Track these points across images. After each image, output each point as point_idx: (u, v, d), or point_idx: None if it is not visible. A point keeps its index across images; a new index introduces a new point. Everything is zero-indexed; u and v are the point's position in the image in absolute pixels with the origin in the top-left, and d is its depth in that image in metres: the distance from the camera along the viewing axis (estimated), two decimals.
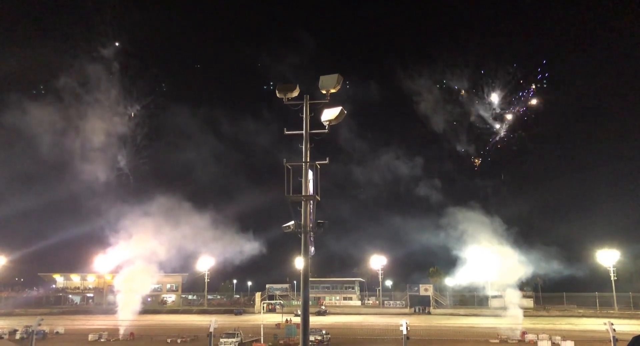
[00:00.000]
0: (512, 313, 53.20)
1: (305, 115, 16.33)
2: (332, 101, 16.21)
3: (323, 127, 16.38)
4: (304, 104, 16.41)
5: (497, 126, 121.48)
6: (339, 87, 15.91)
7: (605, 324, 14.84)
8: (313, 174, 16.40)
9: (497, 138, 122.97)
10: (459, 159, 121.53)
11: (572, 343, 43.13)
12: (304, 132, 16.31)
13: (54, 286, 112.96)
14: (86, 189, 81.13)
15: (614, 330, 14.06)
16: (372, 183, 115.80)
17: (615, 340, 13.57)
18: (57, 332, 52.47)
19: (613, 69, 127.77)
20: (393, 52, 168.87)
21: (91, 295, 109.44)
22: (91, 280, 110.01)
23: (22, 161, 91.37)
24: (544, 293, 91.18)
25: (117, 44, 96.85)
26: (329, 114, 15.99)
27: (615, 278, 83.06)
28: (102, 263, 72.50)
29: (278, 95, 16.13)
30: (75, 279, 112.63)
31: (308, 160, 16.21)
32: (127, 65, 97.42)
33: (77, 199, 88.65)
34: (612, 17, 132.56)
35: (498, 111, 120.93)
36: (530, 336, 47.96)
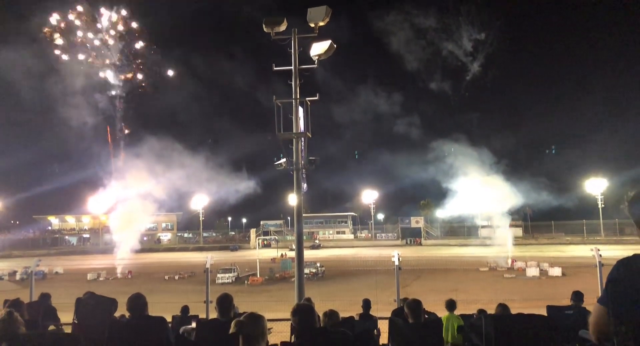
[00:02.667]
0: (501, 242, 54.51)
1: (294, 50, 15.99)
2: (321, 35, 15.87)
3: (311, 62, 16.11)
4: (292, 39, 16.03)
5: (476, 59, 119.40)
6: (327, 19, 15.47)
7: (592, 250, 15.26)
8: (303, 111, 16.27)
9: (477, 71, 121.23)
10: (440, 94, 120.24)
11: (560, 269, 44.47)
12: (293, 67, 16.03)
13: (49, 228, 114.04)
14: (75, 133, 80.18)
15: (600, 255, 14.48)
16: (355, 121, 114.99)
17: (601, 264, 13.96)
18: (57, 272, 53.33)
19: None
20: None
21: (87, 235, 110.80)
22: (86, 221, 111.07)
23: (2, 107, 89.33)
24: (532, 222, 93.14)
25: None
26: (318, 48, 15.66)
27: (603, 205, 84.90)
28: (96, 204, 72.90)
29: (265, 29, 15.69)
30: (71, 220, 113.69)
31: (298, 97, 16.03)
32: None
33: (66, 144, 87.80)
34: None
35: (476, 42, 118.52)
36: (519, 264, 49.34)
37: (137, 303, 6.04)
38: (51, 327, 9.30)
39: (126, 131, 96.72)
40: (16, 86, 76.25)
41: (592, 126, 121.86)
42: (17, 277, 47.59)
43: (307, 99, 16.28)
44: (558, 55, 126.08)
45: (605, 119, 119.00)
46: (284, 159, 16.19)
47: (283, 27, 15.82)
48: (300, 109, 16.11)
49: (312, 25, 15.63)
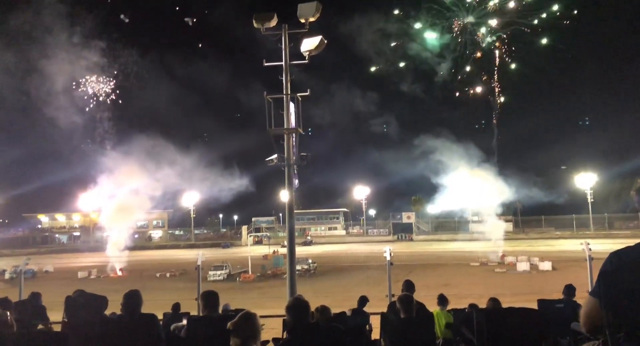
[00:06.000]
0: (492, 237, 54.75)
1: (285, 45, 15.94)
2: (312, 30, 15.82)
3: (301, 57, 16.08)
4: (283, 34, 15.97)
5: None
6: (318, 15, 15.42)
7: (581, 244, 15.36)
8: (294, 107, 16.24)
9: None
10: (427, 89, 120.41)
11: (550, 263, 44.75)
12: (283, 63, 15.98)
13: (39, 226, 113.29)
14: (63, 131, 79.43)
15: (590, 249, 14.58)
16: (347, 116, 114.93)
17: (591, 258, 14.06)
18: (47, 271, 53.01)
19: None
20: None
21: (78, 233, 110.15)
22: (77, 219, 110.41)
23: None
24: (523, 217, 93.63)
25: None
26: (309, 44, 15.62)
27: (592, 200, 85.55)
28: (86, 202, 72.40)
29: (255, 25, 15.62)
30: (61, 219, 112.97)
31: (289, 92, 15.99)
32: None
33: (55, 142, 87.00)
34: None
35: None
36: (509, 259, 49.58)
37: (133, 299, 6.02)
38: (40, 326, 9.23)
39: (115, 129, 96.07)
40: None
41: (581, 120, 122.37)
42: (7, 276, 47.14)
43: (299, 94, 16.25)
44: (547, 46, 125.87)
45: (594, 114, 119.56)
46: (276, 155, 16.15)
47: (273, 23, 15.76)
48: (292, 105, 16.07)
49: (303, 20, 15.60)
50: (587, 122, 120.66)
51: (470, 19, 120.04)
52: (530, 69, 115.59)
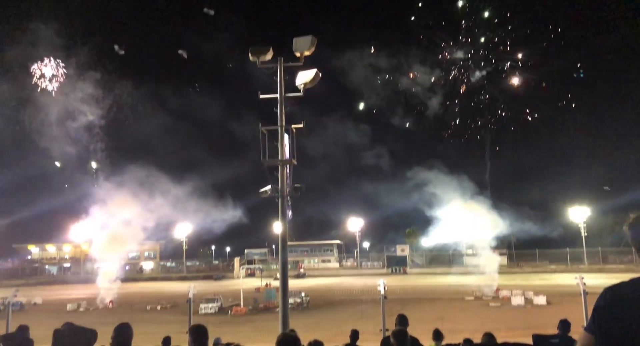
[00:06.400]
0: (487, 271, 54.48)
1: (280, 78, 16.14)
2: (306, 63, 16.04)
3: (296, 90, 16.25)
4: (278, 67, 16.18)
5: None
6: (313, 49, 15.67)
7: (576, 278, 15.26)
8: (289, 138, 16.33)
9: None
10: (422, 122, 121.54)
11: (545, 297, 44.47)
12: (278, 95, 16.15)
13: (29, 257, 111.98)
14: (53, 162, 79.34)
15: (585, 283, 14.50)
16: (341, 148, 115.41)
17: (586, 293, 13.99)
18: (35, 303, 52.17)
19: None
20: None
21: (68, 264, 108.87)
22: (67, 250, 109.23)
23: None
24: (517, 250, 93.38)
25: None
26: (304, 77, 15.83)
27: (586, 234, 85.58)
28: (77, 233, 71.85)
29: (251, 58, 15.84)
30: (51, 249, 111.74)
31: (284, 124, 16.11)
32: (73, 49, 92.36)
33: (46, 173, 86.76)
34: None
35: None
36: (504, 293, 49.28)
37: (123, 333, 5.92)
38: None
39: (109, 159, 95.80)
40: None
41: (574, 154, 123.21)
42: None
43: (293, 126, 16.36)
44: (541, 78, 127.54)
45: (586, 147, 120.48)
46: (269, 187, 16.15)
47: (269, 56, 15.99)
48: (286, 136, 16.17)
49: (298, 54, 15.83)
50: (580, 156, 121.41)
51: (459, 54, 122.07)
52: (520, 104, 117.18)
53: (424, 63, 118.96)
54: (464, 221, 58.12)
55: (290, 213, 16.62)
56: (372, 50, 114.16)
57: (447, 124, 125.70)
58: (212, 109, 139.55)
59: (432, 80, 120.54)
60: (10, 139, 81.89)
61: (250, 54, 15.80)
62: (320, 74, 15.84)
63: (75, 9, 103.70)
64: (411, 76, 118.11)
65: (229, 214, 63.23)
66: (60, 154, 73.03)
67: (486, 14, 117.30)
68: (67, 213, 76.63)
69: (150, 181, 58.13)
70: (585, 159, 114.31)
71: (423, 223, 71.72)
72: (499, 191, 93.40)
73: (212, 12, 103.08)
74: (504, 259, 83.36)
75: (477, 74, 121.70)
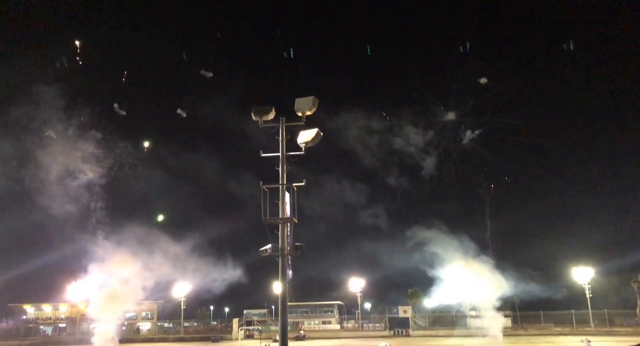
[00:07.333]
0: (491, 333, 53.27)
1: (282, 137, 16.37)
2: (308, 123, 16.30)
3: (297, 148, 16.44)
4: (280, 126, 16.44)
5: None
6: (314, 109, 16.00)
7: (582, 341, 14.85)
8: (290, 197, 16.37)
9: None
10: (414, 183, 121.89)
11: None
12: (280, 154, 16.32)
13: (24, 317, 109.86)
14: (52, 220, 79.20)
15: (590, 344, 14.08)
16: (337, 209, 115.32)
17: None
18: None
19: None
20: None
21: (63, 324, 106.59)
22: (63, 310, 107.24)
23: None
24: (521, 312, 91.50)
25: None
26: (305, 136, 16.06)
27: (591, 295, 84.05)
28: (74, 292, 70.85)
29: (254, 118, 16.15)
30: (47, 309, 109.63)
31: (285, 182, 16.18)
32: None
33: (44, 230, 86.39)
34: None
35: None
36: None
37: None
38: None
39: (108, 218, 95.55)
40: None
41: (576, 213, 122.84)
42: None
43: (294, 184, 16.42)
44: (540, 137, 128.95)
45: (588, 207, 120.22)
46: (270, 245, 16.03)
47: (271, 116, 16.31)
48: (287, 195, 16.20)
49: (300, 114, 16.14)
50: (582, 215, 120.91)
51: (451, 116, 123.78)
52: (515, 165, 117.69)
53: (416, 125, 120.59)
54: (467, 282, 57.45)
55: (290, 272, 16.42)
56: (364, 113, 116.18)
57: (442, 184, 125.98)
58: (211, 168, 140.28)
59: (425, 141, 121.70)
60: (9, 197, 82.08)
61: (253, 114, 16.12)
62: (322, 134, 16.07)
63: (75, 71, 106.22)
64: (404, 137, 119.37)
65: (228, 274, 62.72)
66: (58, 212, 72.94)
67: (479, 80, 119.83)
68: (66, 272, 75.89)
69: (149, 240, 57.97)
70: (588, 219, 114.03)
71: (425, 283, 70.94)
72: (500, 251, 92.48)
73: (210, 75, 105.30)
74: (508, 321, 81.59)
75: (469, 134, 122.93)
